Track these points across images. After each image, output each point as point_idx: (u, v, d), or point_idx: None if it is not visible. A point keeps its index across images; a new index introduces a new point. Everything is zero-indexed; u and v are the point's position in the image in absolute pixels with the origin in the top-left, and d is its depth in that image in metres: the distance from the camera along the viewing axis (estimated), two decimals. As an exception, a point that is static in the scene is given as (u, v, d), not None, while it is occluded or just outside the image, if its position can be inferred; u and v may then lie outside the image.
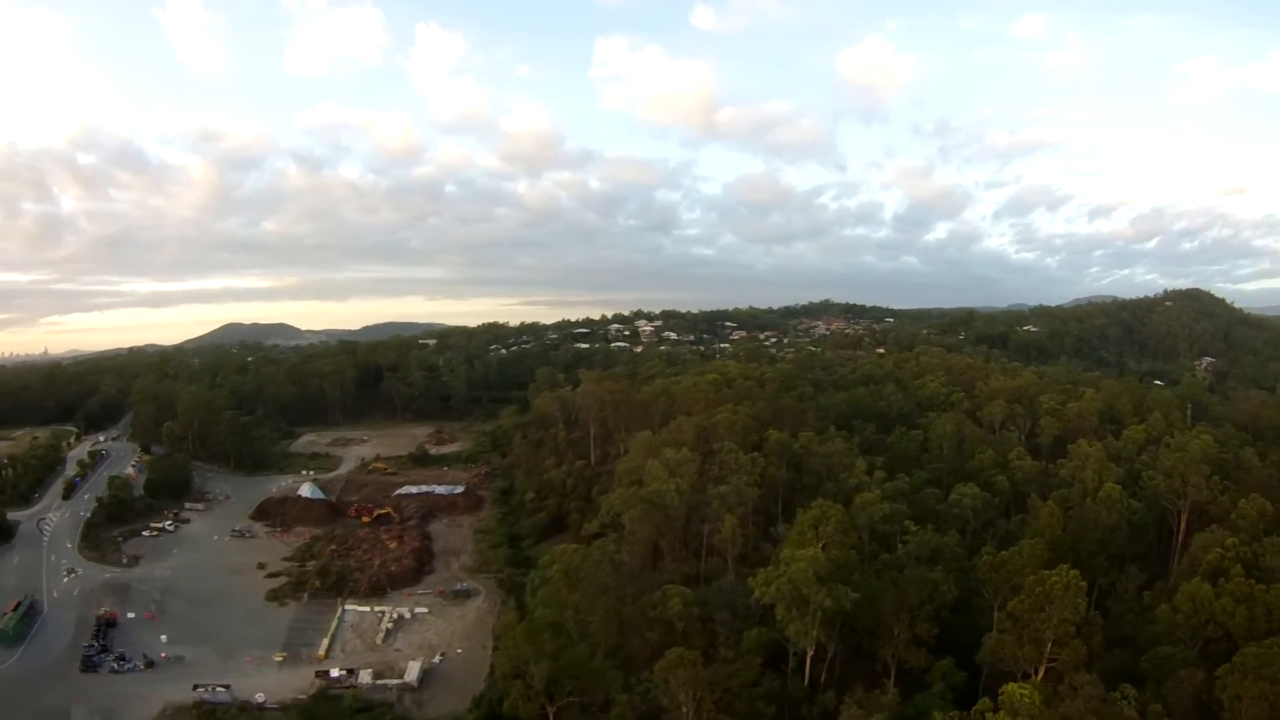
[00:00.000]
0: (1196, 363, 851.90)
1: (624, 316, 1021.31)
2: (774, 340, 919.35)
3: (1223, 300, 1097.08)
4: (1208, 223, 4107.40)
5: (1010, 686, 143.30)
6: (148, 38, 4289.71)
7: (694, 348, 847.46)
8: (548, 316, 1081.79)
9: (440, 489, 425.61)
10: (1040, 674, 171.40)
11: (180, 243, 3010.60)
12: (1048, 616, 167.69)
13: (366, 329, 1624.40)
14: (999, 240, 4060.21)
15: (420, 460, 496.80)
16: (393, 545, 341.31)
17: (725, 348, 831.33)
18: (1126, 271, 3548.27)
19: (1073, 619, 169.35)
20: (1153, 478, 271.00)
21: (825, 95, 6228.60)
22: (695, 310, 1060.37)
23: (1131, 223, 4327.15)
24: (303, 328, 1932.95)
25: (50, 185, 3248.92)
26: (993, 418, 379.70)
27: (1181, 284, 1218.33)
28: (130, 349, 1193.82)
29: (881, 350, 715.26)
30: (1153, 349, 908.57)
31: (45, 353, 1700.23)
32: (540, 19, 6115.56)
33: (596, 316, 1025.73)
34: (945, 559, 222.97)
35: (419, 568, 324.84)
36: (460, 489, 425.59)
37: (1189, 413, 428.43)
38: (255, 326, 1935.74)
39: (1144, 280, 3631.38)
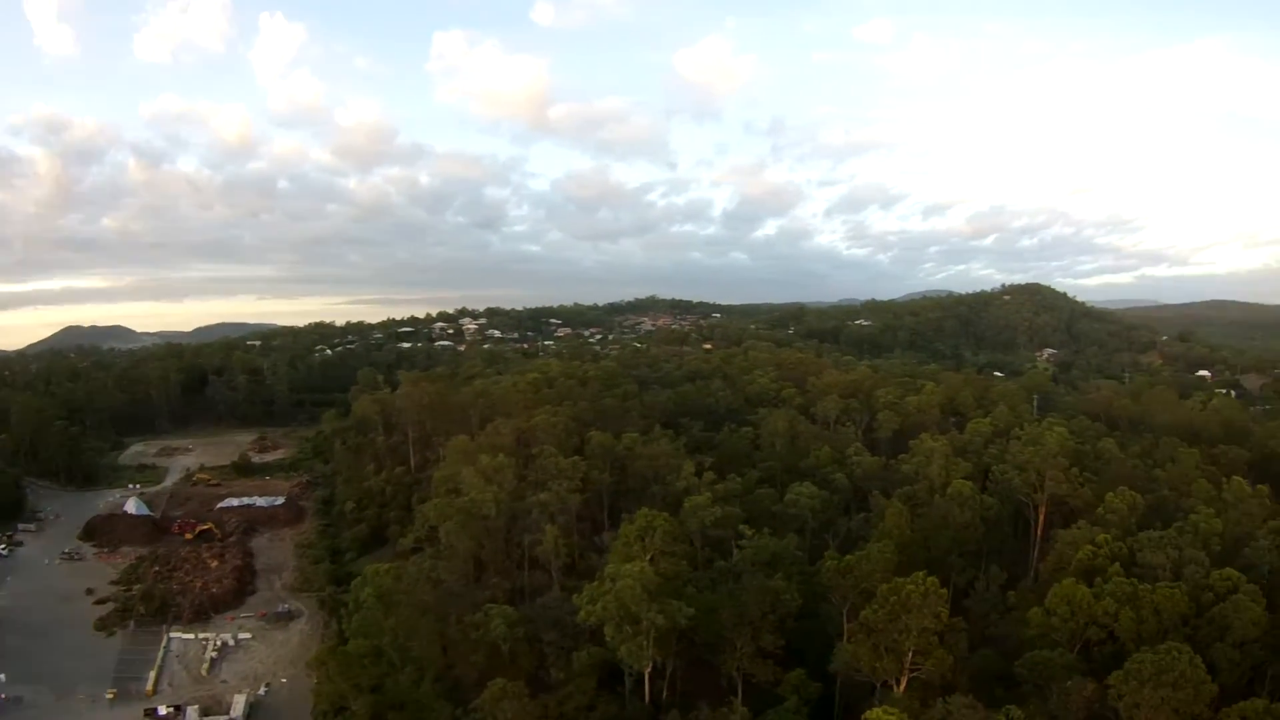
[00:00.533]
0: (1037, 354, 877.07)
1: (448, 315, 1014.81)
2: (599, 337, 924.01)
3: (1064, 294, 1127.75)
4: (1049, 220, 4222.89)
5: (873, 713, 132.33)
6: (7, 24, 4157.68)
7: (518, 346, 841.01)
8: (375, 315, 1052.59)
9: (261, 501, 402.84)
10: (903, 685, 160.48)
11: (24, 241, 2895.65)
12: (906, 626, 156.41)
13: (200, 330, 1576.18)
14: (830, 237, 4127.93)
15: (243, 470, 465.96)
16: (214, 564, 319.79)
17: (550, 345, 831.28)
18: (963, 267, 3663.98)
19: (934, 627, 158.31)
20: (1005, 472, 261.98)
21: (659, 93, 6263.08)
22: (520, 308, 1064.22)
23: (969, 220, 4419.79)
24: (139, 330, 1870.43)
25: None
26: (827, 413, 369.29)
27: (1020, 279, 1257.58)
28: None
29: (709, 346, 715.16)
30: (991, 341, 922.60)
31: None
32: (382, 11, 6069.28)
33: (422, 315, 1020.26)
34: (785, 564, 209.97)
35: (240, 588, 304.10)
36: (281, 500, 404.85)
37: (1035, 405, 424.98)
38: (94, 329, 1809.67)
39: (980, 275, 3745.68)
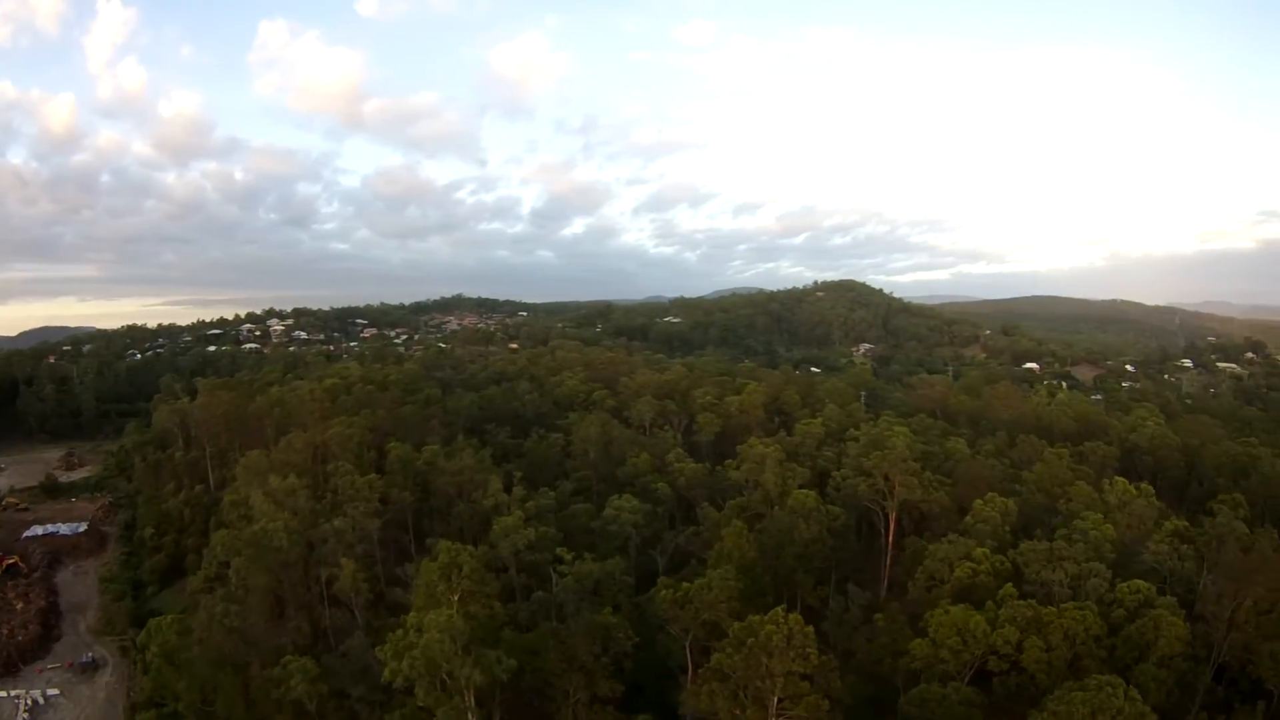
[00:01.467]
0: (854, 349, 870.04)
1: (256, 316, 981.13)
2: (405, 337, 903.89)
3: (879, 290, 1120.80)
4: (861, 219, 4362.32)
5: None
6: None
7: (324, 347, 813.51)
8: (189, 317, 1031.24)
9: (65, 528, 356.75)
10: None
11: None
12: (769, 671, 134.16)
13: (25, 334, 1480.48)
14: (638, 235, 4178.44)
15: (51, 490, 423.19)
16: (19, 606, 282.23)
17: (355, 347, 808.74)
18: (772, 265, 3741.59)
19: (802, 669, 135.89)
20: (847, 477, 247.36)
21: (472, 89, 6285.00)
22: (327, 308, 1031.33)
23: (779, 218, 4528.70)
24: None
25: None
26: (642, 416, 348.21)
27: (831, 276, 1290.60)
28: None
29: (514, 345, 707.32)
30: (804, 337, 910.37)
31: None
32: None
33: (231, 316, 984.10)
34: (612, 592, 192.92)
35: (46, 633, 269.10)
36: (84, 527, 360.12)
37: (863, 402, 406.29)
38: None
39: (790, 273, 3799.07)
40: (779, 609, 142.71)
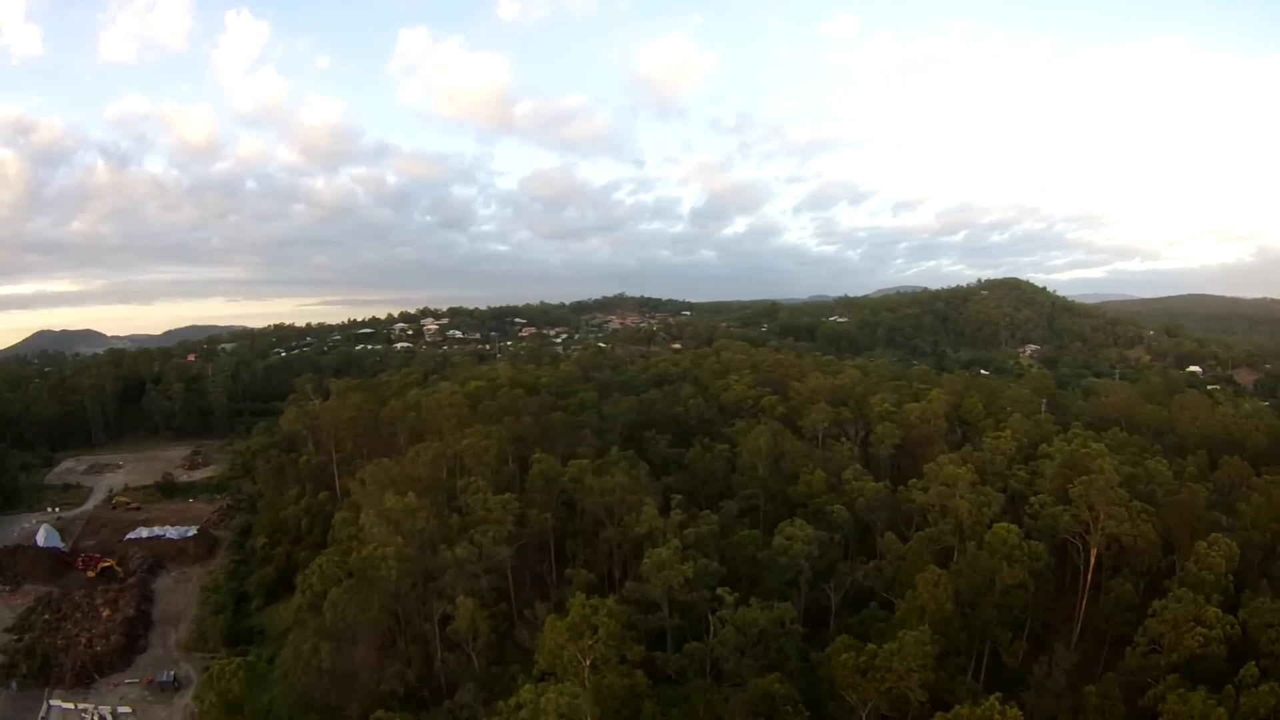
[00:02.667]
0: (1020, 350, 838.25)
1: (409, 315, 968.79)
2: (564, 337, 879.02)
3: (1043, 289, 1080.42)
4: (1019, 216, 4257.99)
5: None
6: None
7: (478, 346, 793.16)
8: (341, 317, 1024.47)
9: (172, 532, 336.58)
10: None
11: None
12: None
13: (170, 333, 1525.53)
14: (799, 234, 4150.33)
15: (167, 490, 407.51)
16: (106, 614, 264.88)
17: (510, 346, 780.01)
18: (933, 263, 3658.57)
19: None
20: (1044, 504, 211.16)
21: (623, 90, 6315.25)
22: (484, 307, 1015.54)
23: (938, 216, 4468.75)
24: (109, 333, 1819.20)
25: None
26: (815, 426, 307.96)
27: (990, 274, 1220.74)
28: None
29: (677, 346, 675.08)
30: (970, 337, 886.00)
31: None
32: (344, 7, 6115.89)
33: (384, 316, 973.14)
34: (780, 643, 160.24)
35: (130, 644, 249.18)
36: (193, 531, 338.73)
37: (1043, 409, 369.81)
38: (65, 333, 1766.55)
39: (950, 271, 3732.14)
40: (993, 699, 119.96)
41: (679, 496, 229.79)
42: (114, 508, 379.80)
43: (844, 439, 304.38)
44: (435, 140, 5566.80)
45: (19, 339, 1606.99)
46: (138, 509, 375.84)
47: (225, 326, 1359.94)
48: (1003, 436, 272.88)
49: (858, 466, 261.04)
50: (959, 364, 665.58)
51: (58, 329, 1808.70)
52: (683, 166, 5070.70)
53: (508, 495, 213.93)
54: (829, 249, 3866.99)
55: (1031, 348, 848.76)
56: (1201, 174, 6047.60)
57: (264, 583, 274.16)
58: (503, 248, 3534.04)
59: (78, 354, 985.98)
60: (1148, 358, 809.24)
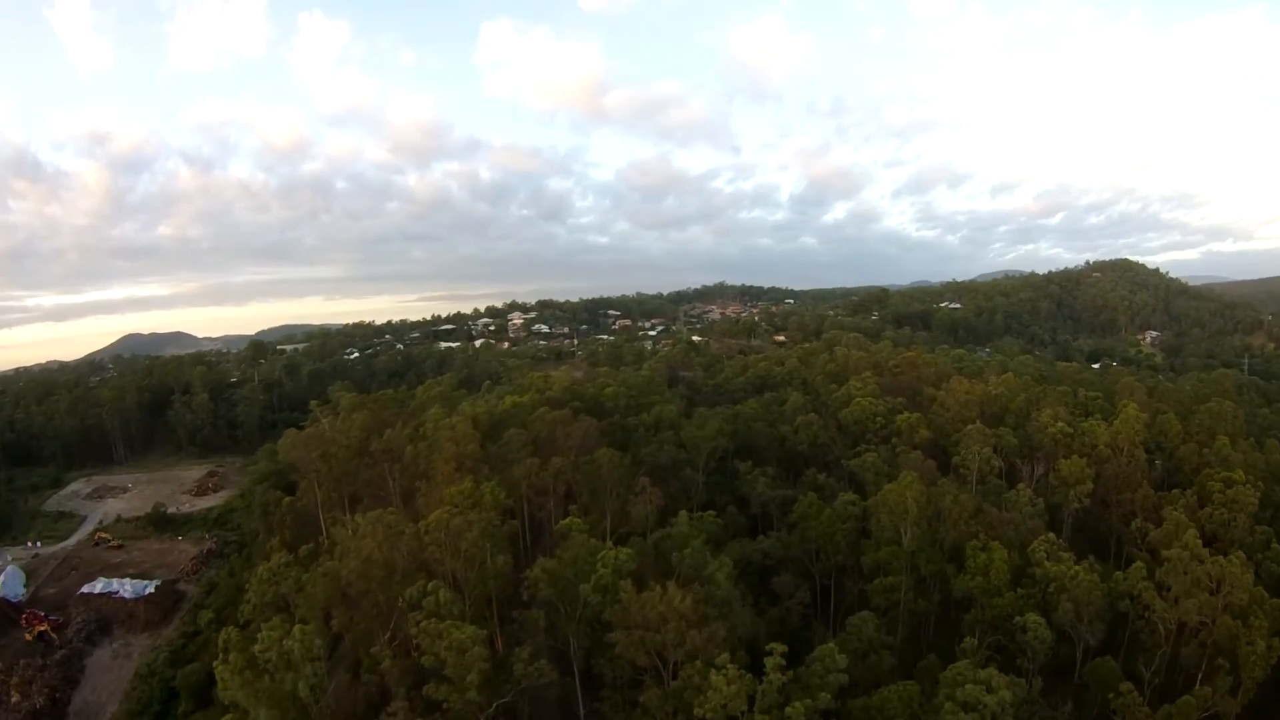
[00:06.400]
0: (1140, 338, 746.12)
1: (496, 309, 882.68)
2: (659, 329, 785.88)
3: (1156, 270, 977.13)
4: (1115, 197, 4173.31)
5: None
6: (37, 38, 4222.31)
7: (564, 342, 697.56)
8: (441, 311, 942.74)
9: (127, 587, 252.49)
10: None
11: (79, 252, 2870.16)
12: None
13: (262, 333, 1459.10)
14: (899, 219, 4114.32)
15: (159, 523, 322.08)
16: (14, 699, 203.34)
17: (601, 339, 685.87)
18: (1031, 246, 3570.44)
19: None
20: None
21: (716, 75, 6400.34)
22: (576, 299, 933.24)
23: (1036, 198, 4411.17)
24: (200, 335, 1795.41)
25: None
26: (969, 461, 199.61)
27: (1088, 258, 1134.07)
28: (36, 366, 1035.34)
29: (781, 338, 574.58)
30: (1088, 323, 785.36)
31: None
32: (424, 4, 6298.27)
33: (470, 310, 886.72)
34: None
35: None
36: (151, 588, 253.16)
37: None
38: (154, 336, 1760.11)
39: (1049, 255, 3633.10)
40: None
41: (779, 647, 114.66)
42: (95, 544, 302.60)
43: (1022, 483, 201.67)
44: (528, 133, 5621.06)
45: (106, 343, 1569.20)
46: (119, 547, 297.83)
47: (319, 325, 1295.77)
48: (1241, 488, 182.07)
49: (1050, 538, 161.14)
50: (1082, 354, 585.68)
51: (146, 333, 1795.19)
52: (780, 152, 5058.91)
53: (473, 633, 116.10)
54: (929, 233, 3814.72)
55: (1152, 334, 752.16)
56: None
57: (190, 683, 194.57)
58: (602, 239, 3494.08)
59: (157, 357, 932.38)
60: (1271, 345, 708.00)
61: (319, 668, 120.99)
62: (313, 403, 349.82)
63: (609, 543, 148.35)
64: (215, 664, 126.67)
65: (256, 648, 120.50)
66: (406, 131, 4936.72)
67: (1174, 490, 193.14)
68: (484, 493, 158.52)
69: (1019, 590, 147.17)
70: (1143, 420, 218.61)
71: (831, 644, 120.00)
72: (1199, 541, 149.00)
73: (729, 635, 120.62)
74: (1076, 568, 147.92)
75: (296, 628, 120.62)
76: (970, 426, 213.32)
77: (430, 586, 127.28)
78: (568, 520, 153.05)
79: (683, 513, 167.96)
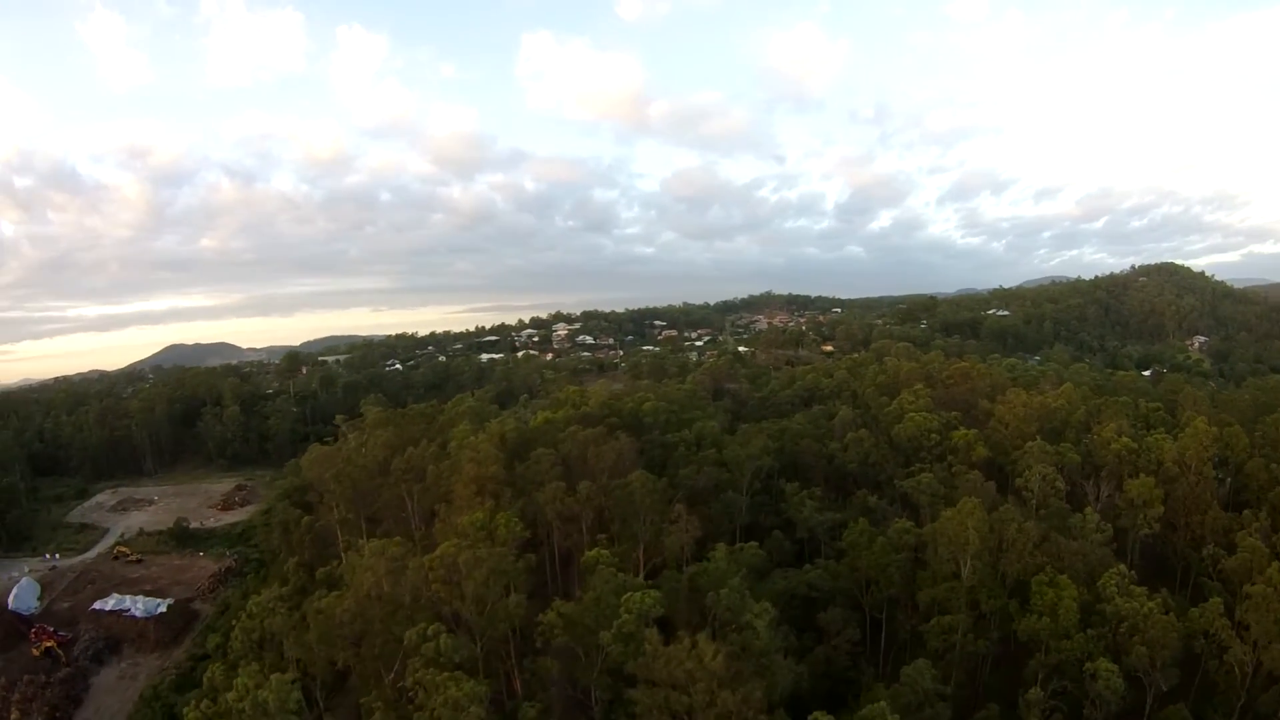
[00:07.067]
0: (1188, 343, 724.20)
1: (541, 320, 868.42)
2: (705, 339, 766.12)
3: (1201, 274, 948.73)
4: (1157, 200, 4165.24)
5: None
6: (72, 53, 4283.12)
7: (609, 353, 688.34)
8: (488, 322, 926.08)
9: (139, 608, 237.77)
10: None
11: (121, 263, 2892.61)
12: None
13: (307, 343, 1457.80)
14: (943, 225, 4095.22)
15: (181, 538, 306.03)
16: (14, 716, 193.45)
17: (646, 350, 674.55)
18: (1075, 252, 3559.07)
19: None
20: None
21: (756, 84, 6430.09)
22: (621, 310, 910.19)
23: (1078, 203, 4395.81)
24: (244, 345, 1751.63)
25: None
26: (1030, 484, 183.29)
27: (1130, 262, 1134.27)
28: (77, 376, 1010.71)
29: (829, 348, 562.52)
30: (1135, 329, 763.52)
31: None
32: (462, 16, 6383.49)
33: (514, 321, 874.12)
34: None
35: None
36: (164, 607, 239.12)
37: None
38: (197, 347, 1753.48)
39: (1092, 260, 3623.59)
40: None
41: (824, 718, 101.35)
42: (115, 558, 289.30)
43: (1079, 500, 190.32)
44: (571, 144, 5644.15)
45: (149, 353, 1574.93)
46: (138, 561, 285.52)
47: (364, 336, 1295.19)
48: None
49: (1122, 570, 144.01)
50: (1131, 361, 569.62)
51: (190, 343, 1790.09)
52: (824, 160, 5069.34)
53: (471, 687, 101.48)
54: (974, 241, 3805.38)
55: (1200, 339, 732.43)
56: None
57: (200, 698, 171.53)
58: (648, 249, 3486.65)
59: (185, 368, 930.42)
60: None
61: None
62: (338, 417, 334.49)
63: (640, 577, 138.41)
64: (186, 711, 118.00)
65: (230, 695, 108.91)
66: (449, 143, 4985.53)
67: (1245, 511, 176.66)
68: (499, 523, 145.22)
69: (1089, 631, 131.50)
70: (1212, 435, 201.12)
71: (883, 703, 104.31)
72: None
73: (767, 694, 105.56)
74: (1150, 604, 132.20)
75: (274, 677, 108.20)
76: (1031, 444, 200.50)
77: (431, 630, 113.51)
78: (594, 552, 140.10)
79: (720, 545, 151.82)
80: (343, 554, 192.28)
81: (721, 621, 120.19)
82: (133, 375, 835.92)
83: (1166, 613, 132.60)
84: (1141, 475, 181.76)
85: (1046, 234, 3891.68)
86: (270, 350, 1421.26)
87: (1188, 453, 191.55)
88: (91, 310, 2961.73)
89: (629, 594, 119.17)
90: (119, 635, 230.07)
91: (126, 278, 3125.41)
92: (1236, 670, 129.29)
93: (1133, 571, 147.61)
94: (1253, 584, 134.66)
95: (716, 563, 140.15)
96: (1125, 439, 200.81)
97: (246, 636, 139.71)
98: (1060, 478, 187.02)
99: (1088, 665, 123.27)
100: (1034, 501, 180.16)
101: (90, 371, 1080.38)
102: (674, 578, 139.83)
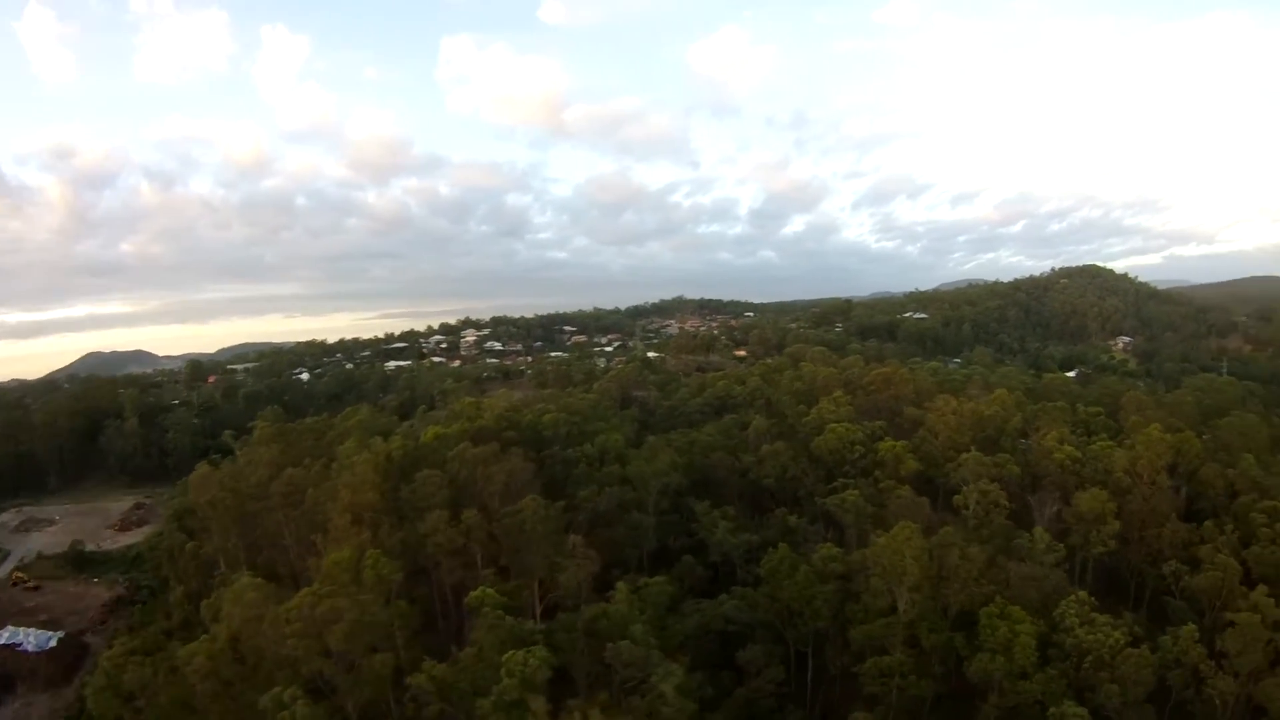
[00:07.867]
0: (1112, 344, 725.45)
1: (450, 326, 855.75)
2: (616, 345, 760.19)
3: (1125, 275, 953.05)
4: (1076, 204, 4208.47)
5: None
6: (4, 52, 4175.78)
7: (517, 359, 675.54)
8: (401, 329, 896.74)
9: (31, 639, 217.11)
10: None
11: (43, 269, 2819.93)
12: None
13: (223, 351, 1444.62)
14: (858, 230, 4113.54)
15: (76, 562, 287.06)
16: None
17: (555, 356, 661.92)
18: (992, 255, 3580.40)
19: None
20: None
21: (676, 90, 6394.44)
22: (531, 315, 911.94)
23: (996, 207, 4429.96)
24: (161, 354, 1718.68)
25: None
26: (968, 500, 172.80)
27: (1050, 265, 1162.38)
28: None
29: (742, 352, 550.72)
30: (1057, 330, 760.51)
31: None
32: (386, 19, 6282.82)
33: (423, 328, 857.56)
34: None
35: None
36: (54, 640, 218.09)
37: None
38: (115, 354, 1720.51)
39: (1010, 263, 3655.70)
40: None
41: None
42: (14, 584, 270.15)
43: (1024, 517, 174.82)
44: (488, 149, 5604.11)
45: (67, 362, 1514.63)
46: (36, 588, 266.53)
47: (280, 344, 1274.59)
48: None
49: (1082, 596, 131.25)
50: (1054, 361, 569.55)
51: (107, 350, 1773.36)
52: (739, 166, 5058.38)
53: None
54: (889, 244, 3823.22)
55: (1124, 340, 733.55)
56: (1255, 153, 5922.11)
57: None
58: (561, 254, 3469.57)
59: (99, 378, 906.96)
60: (1248, 347, 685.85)
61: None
62: (226, 434, 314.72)
63: (536, 618, 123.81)
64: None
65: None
66: (367, 148, 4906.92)
67: (1206, 523, 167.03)
68: (368, 564, 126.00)
69: (1048, 669, 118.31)
70: (1166, 443, 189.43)
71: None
72: (1271, 602, 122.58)
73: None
74: (1115, 633, 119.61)
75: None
76: (965, 455, 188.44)
77: (288, 695, 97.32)
78: (478, 592, 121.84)
79: (621, 584, 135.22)
80: (215, 590, 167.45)
81: (623, 678, 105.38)
82: (50, 385, 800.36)
83: (1135, 643, 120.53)
84: (1090, 487, 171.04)
85: (963, 238, 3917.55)
86: (186, 358, 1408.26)
87: (1140, 462, 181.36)
88: (12, 317, 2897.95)
89: (510, 653, 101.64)
90: (13, 672, 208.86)
91: (48, 283, 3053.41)
92: (1218, 703, 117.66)
93: (1091, 597, 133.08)
94: (1233, 608, 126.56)
95: (617, 605, 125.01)
96: (1069, 447, 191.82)
97: (99, 700, 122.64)
98: (1000, 492, 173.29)
99: (1052, 710, 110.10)
100: (973, 521, 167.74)
101: (10, 381, 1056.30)
102: (570, 622, 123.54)
